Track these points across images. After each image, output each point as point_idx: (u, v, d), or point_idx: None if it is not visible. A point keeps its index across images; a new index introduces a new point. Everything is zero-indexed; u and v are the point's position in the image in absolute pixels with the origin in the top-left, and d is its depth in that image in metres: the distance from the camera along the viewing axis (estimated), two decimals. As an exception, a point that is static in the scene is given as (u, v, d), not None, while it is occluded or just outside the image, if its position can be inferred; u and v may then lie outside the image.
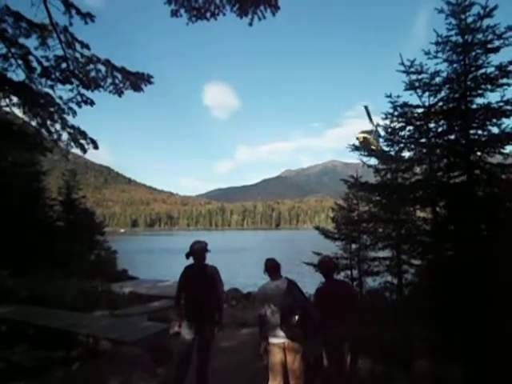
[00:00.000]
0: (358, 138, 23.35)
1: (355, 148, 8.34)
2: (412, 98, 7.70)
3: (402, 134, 7.97)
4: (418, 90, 7.51)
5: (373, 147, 24.49)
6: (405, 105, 7.66)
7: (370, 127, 24.49)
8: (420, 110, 7.65)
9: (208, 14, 4.05)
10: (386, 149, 8.40)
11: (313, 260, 8.72)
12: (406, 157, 8.23)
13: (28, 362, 5.81)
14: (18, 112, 4.90)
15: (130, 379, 4.29)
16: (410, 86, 7.51)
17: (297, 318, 3.95)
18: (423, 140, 7.74)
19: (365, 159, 8.76)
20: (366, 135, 23.38)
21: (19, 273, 11.70)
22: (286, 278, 4.34)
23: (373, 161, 8.80)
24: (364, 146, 24.22)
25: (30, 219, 16.45)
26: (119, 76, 4.91)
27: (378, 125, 23.84)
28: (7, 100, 4.74)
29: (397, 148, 8.23)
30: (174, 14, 4.02)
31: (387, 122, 8.08)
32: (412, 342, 5.18)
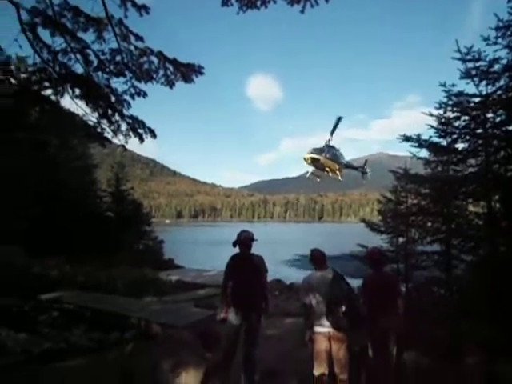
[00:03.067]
0: (305, 159, 21.56)
1: (406, 138, 8.03)
2: (468, 87, 7.32)
3: (457, 124, 7.64)
4: (475, 79, 7.10)
5: (327, 169, 22.79)
6: (460, 94, 7.28)
7: (330, 143, 22.37)
8: (477, 100, 7.24)
9: (258, 3, 4.07)
10: (437, 140, 8.06)
11: (358, 254, 8.68)
12: (460, 148, 7.89)
13: (85, 343, 6.20)
14: (80, 104, 5.14)
15: (180, 361, 4.48)
16: (466, 75, 7.12)
17: (343, 308, 3.99)
18: (479, 131, 7.37)
19: (414, 151, 8.44)
20: (314, 156, 21.46)
21: (75, 260, 12.37)
22: (331, 268, 4.37)
23: (423, 153, 8.48)
24: (315, 167, 22.55)
25: (83, 210, 17.31)
26: (171, 68, 5.04)
27: (328, 145, 21.90)
28: (71, 92, 5.00)
29: (450, 139, 7.89)
30: (225, 3, 4.07)
31: (440, 111, 7.77)
32: (461, 338, 5.06)
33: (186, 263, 22.13)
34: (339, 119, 20.62)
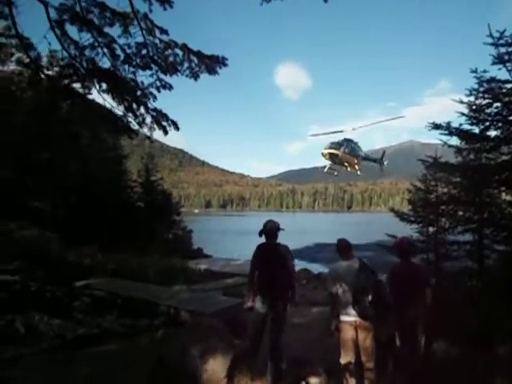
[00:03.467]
0: (323, 155, 21.07)
1: (435, 126, 7.80)
2: (500, 73, 7.04)
3: (488, 111, 7.37)
4: (508, 64, 6.75)
5: (346, 164, 22.20)
6: (492, 80, 6.97)
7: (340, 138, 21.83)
8: (509, 86, 6.93)
9: (281, -7, 4.03)
10: (469, 127, 7.80)
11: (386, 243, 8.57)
12: (492, 136, 7.61)
13: (117, 328, 6.45)
14: (106, 97, 5.30)
15: (208, 348, 4.59)
16: (499, 60, 6.77)
17: (370, 297, 3.99)
18: None
19: (445, 138, 8.18)
20: (332, 151, 20.95)
21: (106, 249, 12.76)
22: (358, 258, 4.36)
23: (454, 140, 8.23)
24: (333, 161, 21.88)
25: (115, 200, 17.76)
26: (195, 60, 5.11)
27: (346, 139, 21.33)
28: (97, 86, 5.15)
29: (482, 126, 7.61)
30: (251, -6, 4.03)
31: (471, 98, 7.51)
32: (492, 328, 4.96)
33: (214, 252, 22.44)
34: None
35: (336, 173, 22.72)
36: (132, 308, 7.37)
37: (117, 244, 14.05)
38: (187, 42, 5.15)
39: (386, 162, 25.68)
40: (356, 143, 22.27)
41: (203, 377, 4.40)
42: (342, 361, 4.21)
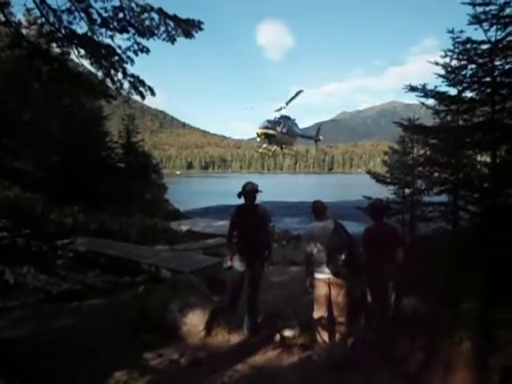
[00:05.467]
0: (258, 135, 19.83)
1: (411, 88, 7.74)
2: (477, 34, 6.88)
3: (464, 73, 7.37)
4: (484, 24, 6.64)
5: (283, 145, 20.85)
6: (468, 41, 6.89)
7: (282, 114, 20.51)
8: (485, 47, 6.83)
9: None
10: (445, 89, 7.79)
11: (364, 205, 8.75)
12: (468, 98, 7.61)
13: (100, 285, 6.61)
14: (85, 63, 5.26)
15: (187, 303, 4.76)
16: (476, 20, 6.67)
17: (343, 256, 4.14)
18: (487, 79, 7.14)
19: (422, 100, 8.16)
20: (269, 131, 19.59)
21: (87, 209, 12.73)
22: (333, 219, 4.48)
23: (431, 101, 8.19)
24: (269, 142, 20.55)
25: (94, 160, 17.52)
26: (172, 24, 5.05)
27: (283, 116, 20.12)
28: (76, 52, 5.08)
29: (460, 88, 7.61)
30: None
31: (447, 60, 7.44)
32: (460, 286, 5.21)
33: (196, 214, 22.57)
34: (299, 92, 19.53)
35: (271, 152, 21.70)
36: (114, 266, 7.51)
37: (98, 204, 14.03)
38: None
39: (321, 137, 24.85)
40: (293, 120, 21.16)
41: (183, 329, 4.60)
42: (316, 315, 4.39)
